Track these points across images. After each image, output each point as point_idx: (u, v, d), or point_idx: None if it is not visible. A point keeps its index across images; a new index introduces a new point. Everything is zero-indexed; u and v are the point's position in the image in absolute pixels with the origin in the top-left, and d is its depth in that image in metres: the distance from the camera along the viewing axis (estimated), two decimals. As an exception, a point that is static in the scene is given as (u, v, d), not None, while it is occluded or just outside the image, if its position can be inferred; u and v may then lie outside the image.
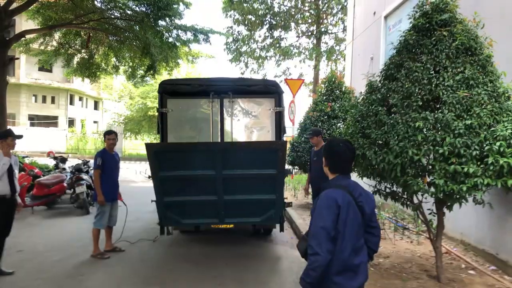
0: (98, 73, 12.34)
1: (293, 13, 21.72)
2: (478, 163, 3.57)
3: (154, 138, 28.78)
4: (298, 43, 22.86)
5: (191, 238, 6.37)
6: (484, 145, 3.54)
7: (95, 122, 39.83)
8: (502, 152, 3.46)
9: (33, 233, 6.68)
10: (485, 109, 3.67)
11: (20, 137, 4.82)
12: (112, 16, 10.24)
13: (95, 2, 9.89)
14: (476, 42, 4.03)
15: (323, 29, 21.31)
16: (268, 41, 22.21)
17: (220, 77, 5.77)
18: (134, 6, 9.86)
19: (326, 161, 2.41)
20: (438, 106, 3.98)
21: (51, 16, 10.05)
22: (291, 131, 11.21)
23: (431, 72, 3.98)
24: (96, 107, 40.76)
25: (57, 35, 11.25)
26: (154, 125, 24.83)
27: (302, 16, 21.99)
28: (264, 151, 4.36)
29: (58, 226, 7.23)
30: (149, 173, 4.62)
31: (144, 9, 9.64)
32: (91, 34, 10.86)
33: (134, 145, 33.72)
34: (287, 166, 9.32)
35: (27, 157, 11.59)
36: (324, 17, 21.52)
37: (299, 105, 11.42)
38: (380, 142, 4.12)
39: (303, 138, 8.92)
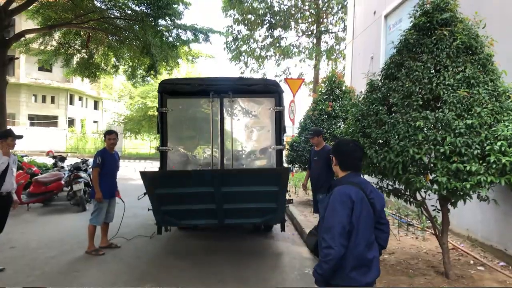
0: (97, 73, 12.33)
1: (293, 12, 21.71)
2: (480, 161, 3.56)
3: (154, 138, 28.77)
4: (298, 43, 22.84)
5: (189, 234, 6.33)
6: (485, 145, 3.53)
7: (95, 122, 39.81)
8: (503, 152, 3.45)
9: (27, 229, 6.62)
10: (485, 108, 3.66)
11: (20, 137, 4.83)
12: (112, 16, 10.23)
13: (95, 2, 9.88)
14: (477, 41, 4.02)
15: (323, 29, 21.30)
16: (268, 40, 22.20)
17: (220, 77, 5.76)
18: (134, 6, 9.86)
19: (337, 160, 2.47)
20: (438, 105, 3.97)
21: (51, 15, 10.05)
22: (291, 131, 11.21)
23: (431, 71, 3.97)
24: (96, 107, 40.75)
25: (57, 35, 11.24)
26: (154, 125, 24.81)
27: (302, 15, 21.98)
28: (266, 175, 4.46)
29: (53, 223, 7.17)
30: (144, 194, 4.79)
31: (144, 8, 9.63)
32: (91, 34, 10.85)
33: (134, 144, 33.73)
34: (286, 165, 9.32)
35: (26, 156, 11.58)
36: (324, 16, 21.51)
37: (299, 105, 11.43)
38: (380, 141, 4.11)
39: (303, 138, 8.92)
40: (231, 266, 4.95)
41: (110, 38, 11.21)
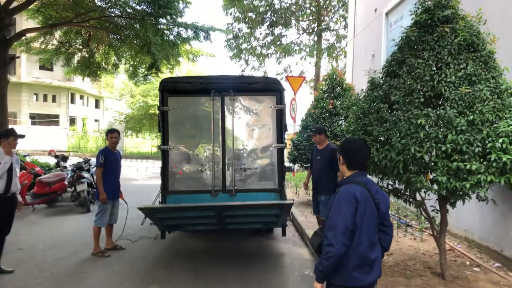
0: (98, 72, 12.31)
1: (294, 10, 21.66)
2: (481, 160, 3.55)
3: (155, 136, 28.77)
4: (299, 40, 22.80)
5: (192, 236, 6.37)
6: (487, 142, 3.52)
7: (96, 120, 39.86)
8: (504, 149, 3.44)
9: (33, 231, 6.69)
10: (487, 105, 3.65)
11: (22, 136, 4.84)
12: (113, 15, 10.21)
13: (96, 1, 9.85)
14: (479, 38, 4.00)
15: (324, 26, 21.25)
16: (269, 38, 22.16)
17: (221, 75, 5.76)
18: (134, 5, 9.83)
19: (344, 159, 2.45)
20: (440, 102, 3.96)
21: (51, 14, 10.03)
22: (292, 129, 11.20)
23: (433, 69, 3.95)
24: (97, 106, 40.78)
25: (57, 34, 11.23)
26: (155, 123, 24.83)
27: (303, 13, 21.92)
28: (269, 207, 4.67)
29: (58, 224, 7.23)
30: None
31: (144, 7, 9.61)
32: (91, 33, 10.84)
33: (135, 143, 33.74)
34: (288, 164, 9.31)
35: (28, 155, 11.60)
36: (325, 14, 21.45)
37: (300, 103, 11.42)
38: (382, 139, 4.10)
39: (304, 136, 8.91)
40: (233, 266, 4.97)
41: (110, 36, 11.19)
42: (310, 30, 22.33)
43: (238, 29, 21.70)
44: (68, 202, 8.73)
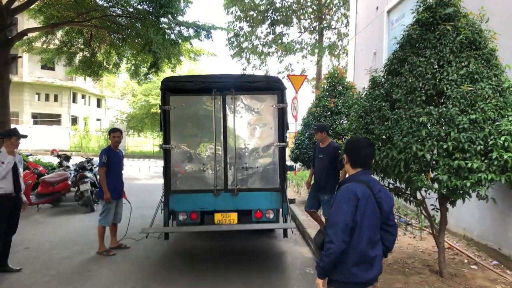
0: (100, 71, 12.34)
1: (295, 8, 21.62)
2: (482, 158, 3.55)
3: (157, 135, 28.82)
4: (301, 39, 22.77)
5: (195, 235, 6.40)
6: (489, 140, 3.52)
7: (98, 119, 39.94)
8: (506, 147, 3.44)
9: (39, 230, 6.74)
10: (489, 103, 3.64)
11: (24, 136, 4.86)
12: (114, 14, 10.22)
13: (97, 0, 9.86)
14: (480, 36, 3.99)
15: (325, 25, 21.20)
16: (270, 37, 22.14)
17: (222, 74, 5.75)
18: (136, 4, 9.84)
19: (347, 158, 2.47)
20: (442, 101, 3.96)
21: (53, 14, 10.05)
22: (294, 127, 11.19)
23: (435, 67, 3.95)
24: (99, 105, 40.85)
25: (59, 34, 11.25)
26: (157, 123, 24.87)
27: (304, 11, 21.88)
28: None
29: (63, 224, 7.29)
30: None
31: (146, 6, 9.61)
32: (93, 32, 10.86)
33: (137, 142, 33.81)
34: (290, 162, 9.31)
35: (31, 155, 11.65)
36: (326, 12, 21.40)
37: (302, 101, 11.40)
38: (383, 137, 4.10)
39: (306, 134, 8.90)
40: (235, 265, 5.00)
41: (112, 36, 11.21)
42: (312, 29, 22.28)
43: (239, 27, 21.69)
44: (72, 201, 8.78)
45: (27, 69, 30.25)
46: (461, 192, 3.71)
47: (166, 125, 5.38)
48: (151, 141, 31.75)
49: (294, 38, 22.77)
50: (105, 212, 5.48)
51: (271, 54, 22.90)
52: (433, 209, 4.38)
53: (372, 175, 4.33)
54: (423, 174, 3.80)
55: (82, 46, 11.57)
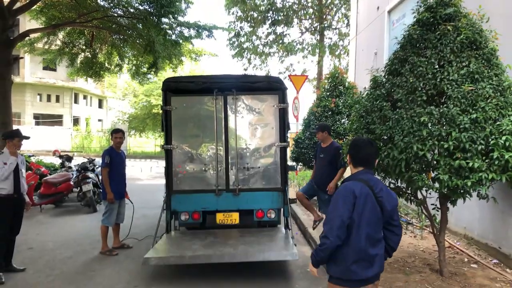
0: (101, 72, 12.37)
1: (296, 8, 21.62)
2: (483, 157, 3.56)
3: (158, 136, 28.87)
4: (302, 39, 22.77)
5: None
6: (490, 140, 3.53)
7: (99, 120, 40.02)
8: (507, 147, 3.45)
9: (42, 231, 6.78)
10: (490, 103, 3.65)
11: (27, 138, 4.89)
12: (115, 15, 10.25)
13: (98, 1, 9.90)
14: (481, 36, 4.00)
15: (326, 25, 21.20)
16: (271, 37, 22.14)
17: (223, 74, 5.77)
18: (137, 5, 9.87)
19: (349, 157, 2.51)
20: (443, 100, 3.97)
21: (54, 15, 10.09)
22: (295, 127, 11.20)
23: (435, 67, 3.96)
24: (100, 106, 40.93)
25: (61, 35, 11.29)
26: (158, 123, 24.90)
27: (305, 12, 21.88)
28: None
29: (66, 224, 7.33)
30: None
31: (147, 7, 9.64)
32: (94, 33, 10.89)
33: (138, 142, 33.87)
34: (291, 162, 9.33)
35: (33, 156, 11.69)
36: (327, 12, 21.40)
37: (303, 101, 11.42)
38: (384, 137, 4.11)
39: (307, 134, 8.91)
40: (238, 264, 4.99)
41: (113, 37, 11.24)
42: (313, 29, 22.28)
43: (240, 27, 21.71)
44: (74, 202, 8.83)
45: (29, 70, 30.34)
46: (461, 191, 3.73)
47: (167, 125, 5.40)
48: (152, 141, 31.82)
49: (295, 38, 22.78)
50: (108, 212, 5.51)
51: (272, 54, 22.91)
52: (433, 209, 4.40)
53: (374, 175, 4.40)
54: (424, 174, 3.81)
55: (84, 47, 11.60)
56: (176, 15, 9.98)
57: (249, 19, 21.33)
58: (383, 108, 4.16)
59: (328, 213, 2.37)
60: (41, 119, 32.47)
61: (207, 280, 4.52)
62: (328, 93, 9.07)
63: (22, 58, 10.99)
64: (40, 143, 22.91)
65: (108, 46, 11.66)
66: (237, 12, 21.31)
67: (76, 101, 35.37)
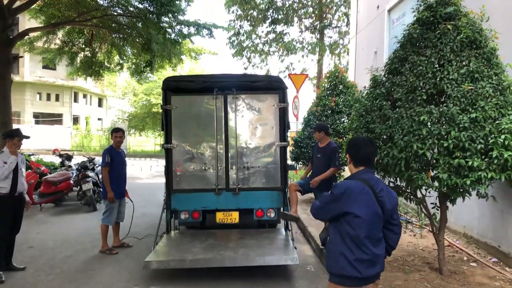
0: (101, 71, 12.36)
1: (296, 7, 21.59)
2: (483, 156, 3.57)
3: (158, 135, 28.87)
4: (302, 38, 22.75)
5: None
6: (489, 139, 3.54)
7: (99, 119, 40.00)
8: (507, 146, 3.45)
9: (42, 229, 6.79)
10: (490, 102, 3.66)
11: (27, 137, 4.90)
12: (115, 13, 10.24)
13: (98, 0, 9.88)
14: (481, 35, 4.00)
15: (326, 23, 21.18)
16: (271, 36, 22.12)
17: (223, 74, 5.77)
18: (136, 3, 9.86)
19: (349, 157, 2.49)
20: (442, 99, 3.97)
21: (54, 14, 10.06)
22: (295, 126, 11.20)
23: (435, 66, 3.97)
24: (100, 104, 40.91)
25: (60, 33, 11.27)
26: (158, 122, 24.89)
27: (305, 11, 21.85)
28: None
29: (66, 223, 7.34)
30: None
31: (147, 5, 9.63)
32: (94, 32, 10.88)
33: (138, 141, 33.87)
34: (290, 162, 9.33)
35: (33, 155, 11.69)
36: (327, 11, 21.37)
37: (303, 100, 11.41)
38: (384, 136, 4.12)
39: (306, 133, 8.92)
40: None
41: (113, 35, 11.23)
42: (313, 28, 22.26)
43: (240, 26, 21.69)
44: (74, 201, 8.83)
45: (29, 68, 30.31)
46: (461, 190, 3.74)
47: (167, 124, 5.40)
48: (152, 140, 31.81)
49: (295, 37, 22.75)
50: (108, 211, 5.52)
51: (272, 53, 22.89)
52: (433, 207, 4.41)
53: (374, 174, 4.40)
54: (423, 173, 3.82)
55: (83, 46, 11.58)
56: (176, 14, 9.96)
57: (249, 17, 21.31)
58: (383, 107, 4.16)
59: (321, 201, 2.45)
60: (40, 118, 32.45)
61: (207, 278, 4.52)
62: (328, 92, 9.08)
63: (21, 57, 10.99)
64: (40, 142, 22.89)
65: (107, 45, 11.64)
66: (237, 11, 21.29)
67: (75, 100, 35.34)
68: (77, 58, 11.93)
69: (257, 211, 5.41)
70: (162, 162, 5.35)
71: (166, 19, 10.15)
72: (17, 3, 9.16)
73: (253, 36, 22.06)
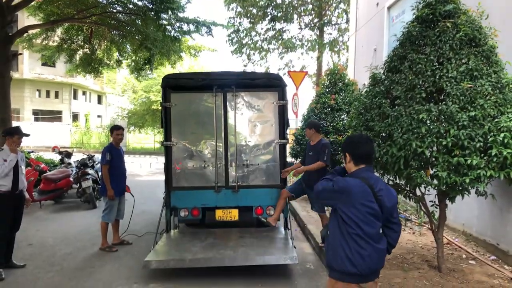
0: (100, 68, 12.34)
1: (295, 4, 21.54)
2: (482, 155, 3.58)
3: (158, 132, 28.85)
4: (301, 35, 22.70)
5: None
6: (488, 137, 3.54)
7: (98, 116, 39.95)
8: (506, 144, 3.46)
9: (42, 227, 6.80)
10: (489, 100, 3.66)
11: (27, 135, 4.90)
12: (114, 10, 10.21)
13: (97, -3, 9.85)
14: (480, 33, 4.00)
15: (325, 21, 21.13)
16: (271, 33, 22.08)
17: (223, 71, 5.78)
18: (136, 0, 9.83)
19: (348, 156, 2.47)
20: (442, 98, 3.97)
21: (53, 11, 10.03)
22: (294, 124, 11.21)
23: (434, 64, 3.96)
24: (99, 101, 40.85)
25: (59, 31, 11.24)
26: (157, 119, 24.87)
27: (304, 8, 21.80)
28: None
29: (66, 220, 7.36)
30: None
31: (146, 2, 9.60)
32: (93, 29, 10.85)
33: (138, 138, 33.86)
34: (290, 159, 9.34)
35: (32, 152, 11.69)
36: (327, 8, 21.32)
37: (302, 97, 11.42)
38: (383, 134, 4.13)
39: (305, 131, 8.91)
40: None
41: (112, 33, 11.20)
42: (312, 25, 22.21)
43: (239, 23, 21.64)
44: (74, 198, 8.83)
45: (28, 65, 30.23)
46: (460, 188, 3.75)
47: (167, 122, 5.40)
48: (152, 137, 31.80)
49: (295, 34, 22.70)
50: (108, 209, 5.53)
51: (271, 50, 22.85)
52: (432, 205, 4.41)
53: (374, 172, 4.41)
54: (422, 171, 3.83)
55: (82, 43, 11.55)
56: (175, 11, 9.93)
57: (248, 15, 21.26)
58: (382, 105, 4.17)
59: (322, 184, 2.49)
60: (40, 115, 32.41)
61: (206, 275, 4.53)
62: (327, 90, 9.07)
63: (21, 54, 10.94)
64: (39, 139, 22.88)
65: (107, 42, 11.61)
66: (237, 8, 21.24)
67: (75, 97, 35.28)
68: (76, 55, 11.91)
69: (257, 208, 5.43)
70: (161, 160, 5.36)
71: (166, 16, 10.12)
72: (16, 0, 9.13)
73: (253, 33, 22.03)
